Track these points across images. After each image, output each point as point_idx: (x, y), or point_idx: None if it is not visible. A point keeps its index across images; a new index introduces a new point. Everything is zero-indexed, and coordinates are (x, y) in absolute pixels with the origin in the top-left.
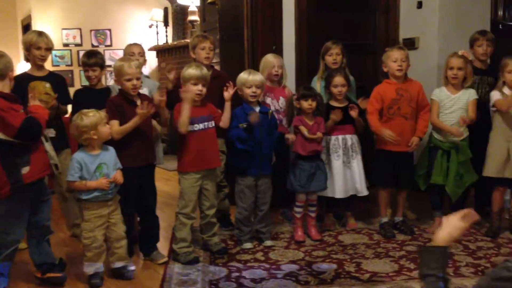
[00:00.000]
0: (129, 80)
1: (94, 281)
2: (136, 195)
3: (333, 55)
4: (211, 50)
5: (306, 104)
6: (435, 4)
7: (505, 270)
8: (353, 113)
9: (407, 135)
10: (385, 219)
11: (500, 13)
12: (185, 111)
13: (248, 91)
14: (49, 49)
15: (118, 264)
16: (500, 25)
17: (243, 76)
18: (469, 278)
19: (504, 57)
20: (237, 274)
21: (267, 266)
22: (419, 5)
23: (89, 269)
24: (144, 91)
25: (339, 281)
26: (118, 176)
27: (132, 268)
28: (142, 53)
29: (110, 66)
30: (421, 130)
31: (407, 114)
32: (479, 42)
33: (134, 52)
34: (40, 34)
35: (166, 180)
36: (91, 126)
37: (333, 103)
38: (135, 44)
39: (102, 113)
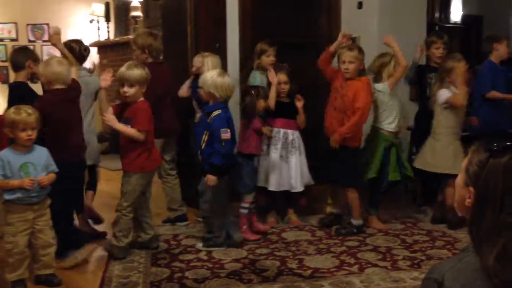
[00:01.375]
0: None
1: None
2: (80, 192)
3: (271, 57)
4: None
5: None
6: (374, 5)
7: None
8: (299, 103)
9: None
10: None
11: (436, 14)
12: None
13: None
14: None
15: (45, 272)
16: (437, 26)
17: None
18: (406, 271)
19: (449, 59)
20: (179, 274)
21: (210, 265)
22: (360, 6)
23: (12, 275)
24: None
25: (282, 278)
26: (45, 179)
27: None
28: None
29: None
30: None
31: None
32: (436, 45)
33: None
34: None
35: (108, 181)
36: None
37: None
38: None
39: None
